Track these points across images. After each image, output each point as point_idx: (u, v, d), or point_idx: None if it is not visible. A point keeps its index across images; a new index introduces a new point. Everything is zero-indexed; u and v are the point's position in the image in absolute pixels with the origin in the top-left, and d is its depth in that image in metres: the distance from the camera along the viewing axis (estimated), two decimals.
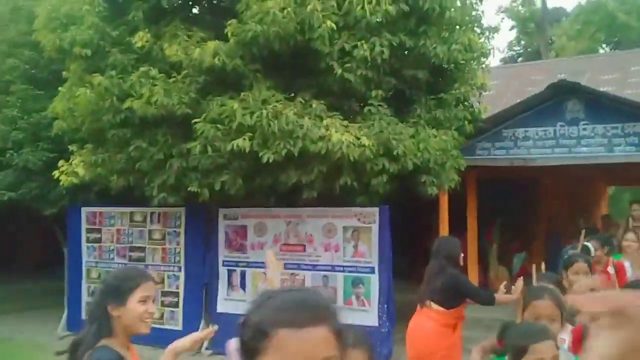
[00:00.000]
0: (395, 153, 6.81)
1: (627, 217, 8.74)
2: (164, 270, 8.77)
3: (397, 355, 6.91)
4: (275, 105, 6.52)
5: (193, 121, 6.77)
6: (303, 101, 6.82)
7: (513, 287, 4.91)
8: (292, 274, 7.85)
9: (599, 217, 11.09)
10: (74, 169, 8.28)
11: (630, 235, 6.26)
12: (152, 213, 8.87)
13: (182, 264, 8.66)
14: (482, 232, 10.72)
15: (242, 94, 6.71)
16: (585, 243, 6.15)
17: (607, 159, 8.46)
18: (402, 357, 6.47)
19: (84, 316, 9.10)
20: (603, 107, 8.46)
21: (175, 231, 8.75)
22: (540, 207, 11.94)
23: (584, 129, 8.56)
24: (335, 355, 1.11)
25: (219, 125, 6.62)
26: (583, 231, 6.12)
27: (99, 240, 9.36)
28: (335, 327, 1.13)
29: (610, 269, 5.52)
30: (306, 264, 7.79)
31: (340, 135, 6.40)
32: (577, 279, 4.22)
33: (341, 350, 1.13)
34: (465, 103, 8.43)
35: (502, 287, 5.16)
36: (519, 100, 9.23)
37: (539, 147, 8.84)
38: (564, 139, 8.68)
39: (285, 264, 7.92)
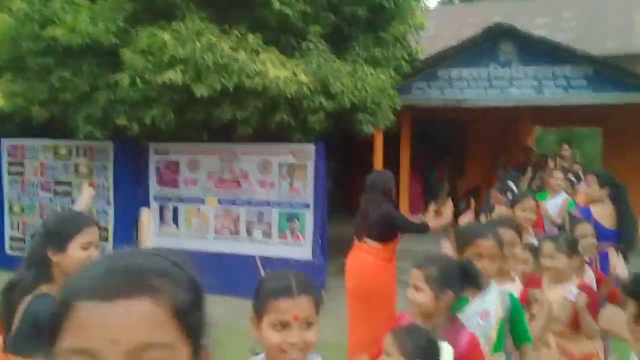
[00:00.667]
0: (332, 91, 6.74)
1: (555, 155, 9.18)
2: (93, 206, 8.52)
3: (331, 286, 7.09)
4: (210, 38, 6.26)
5: (121, 51, 6.43)
6: (239, 34, 6.58)
7: (443, 208, 5.02)
8: (226, 210, 7.81)
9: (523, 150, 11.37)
10: None
11: (558, 174, 6.52)
12: (77, 147, 8.51)
13: (111, 199, 8.44)
14: (431, 170, 10.98)
15: (174, 24, 6.40)
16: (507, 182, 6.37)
17: (536, 100, 8.74)
18: (335, 289, 6.65)
19: (7, 251, 8.82)
20: (535, 50, 8.66)
21: (104, 166, 8.45)
22: (476, 148, 12.22)
23: (516, 71, 8.76)
24: (166, 341, 0.77)
25: (149, 57, 6.32)
26: (529, 168, 6.31)
27: (21, 174, 8.95)
28: (172, 303, 0.79)
29: None
30: (241, 200, 7.75)
31: (277, 71, 6.26)
32: (525, 215, 4.33)
33: (186, 333, 0.80)
34: (403, 42, 8.40)
35: (430, 210, 5.23)
36: (455, 42, 9.29)
37: (472, 88, 9.00)
38: (496, 80, 8.86)
39: (219, 200, 7.86)
